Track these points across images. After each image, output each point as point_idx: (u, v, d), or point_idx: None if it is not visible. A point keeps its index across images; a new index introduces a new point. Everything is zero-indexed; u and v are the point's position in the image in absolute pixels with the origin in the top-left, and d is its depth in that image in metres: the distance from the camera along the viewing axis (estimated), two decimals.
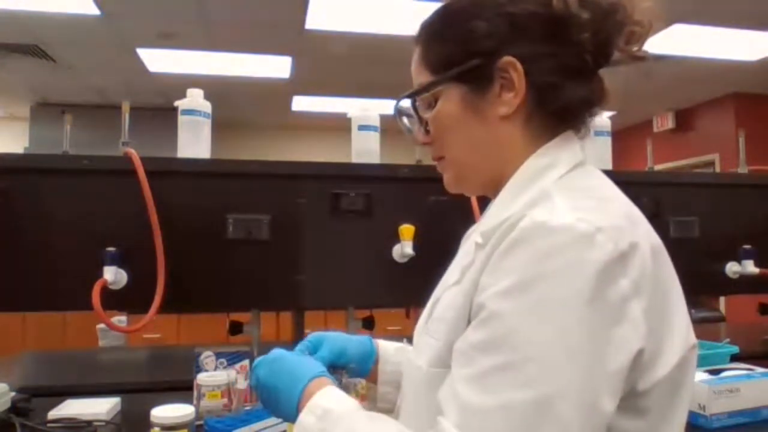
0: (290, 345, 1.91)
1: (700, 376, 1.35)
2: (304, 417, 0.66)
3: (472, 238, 0.75)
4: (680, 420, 0.63)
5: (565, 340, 0.54)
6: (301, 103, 6.70)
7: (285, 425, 1.20)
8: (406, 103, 0.77)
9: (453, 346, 0.62)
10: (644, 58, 0.69)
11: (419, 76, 0.75)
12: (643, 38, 0.68)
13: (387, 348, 0.94)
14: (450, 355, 0.63)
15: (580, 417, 0.53)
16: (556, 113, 0.69)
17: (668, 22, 4.27)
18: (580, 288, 0.54)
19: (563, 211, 0.59)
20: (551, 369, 0.53)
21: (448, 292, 0.71)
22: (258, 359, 0.78)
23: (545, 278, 0.55)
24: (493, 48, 0.68)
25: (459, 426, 0.55)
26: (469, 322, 0.62)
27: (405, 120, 0.79)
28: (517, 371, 0.54)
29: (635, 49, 0.68)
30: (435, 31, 0.74)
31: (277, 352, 0.78)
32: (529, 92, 0.68)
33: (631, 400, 0.58)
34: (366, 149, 1.70)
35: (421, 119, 0.75)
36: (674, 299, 0.63)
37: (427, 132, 0.75)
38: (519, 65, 0.67)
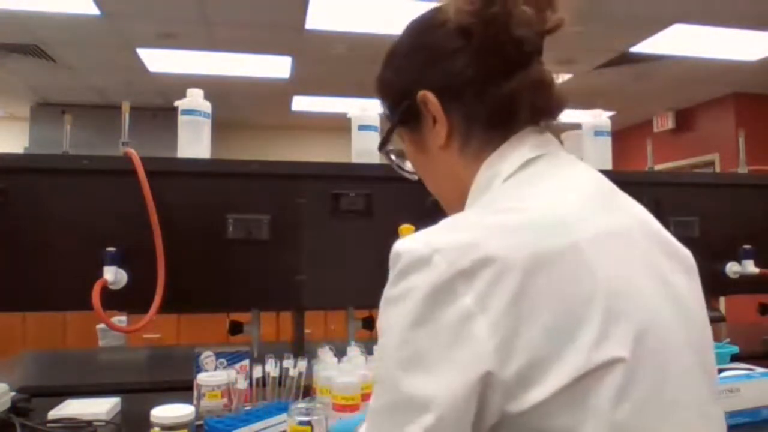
0: (290, 345, 1.92)
1: None
2: None
3: None
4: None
5: (384, 362, 0.57)
6: (301, 103, 6.70)
7: (285, 425, 1.20)
8: (384, 153, 0.84)
9: None
10: (557, 26, 0.66)
11: (384, 125, 0.82)
12: (539, 13, 0.65)
13: None
14: None
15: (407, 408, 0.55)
16: (491, 123, 0.68)
17: (668, 22, 4.28)
18: (407, 313, 0.56)
19: (420, 235, 0.60)
20: (389, 379, 0.57)
21: None
22: None
23: (388, 304, 0.58)
24: (411, 87, 0.71)
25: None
26: None
27: (394, 165, 0.86)
28: (377, 384, 0.60)
29: (533, 25, 0.65)
30: (377, 88, 0.79)
31: None
32: (453, 115, 0.70)
33: (512, 421, 0.53)
34: (366, 149, 1.70)
35: (399, 162, 0.83)
36: (575, 310, 0.54)
37: (412, 171, 0.82)
38: (431, 95, 0.69)
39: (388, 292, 0.59)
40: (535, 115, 0.68)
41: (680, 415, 0.58)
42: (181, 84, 2.00)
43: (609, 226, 0.62)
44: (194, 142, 1.56)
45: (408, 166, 0.83)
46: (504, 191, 0.65)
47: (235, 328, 1.67)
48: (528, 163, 0.66)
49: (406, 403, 0.55)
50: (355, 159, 1.71)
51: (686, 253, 0.71)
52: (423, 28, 0.73)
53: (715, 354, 0.65)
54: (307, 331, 1.82)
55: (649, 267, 0.62)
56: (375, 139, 1.72)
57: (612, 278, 0.57)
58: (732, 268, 1.89)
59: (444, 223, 0.61)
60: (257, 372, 1.31)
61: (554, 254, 0.56)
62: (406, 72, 0.73)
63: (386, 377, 0.57)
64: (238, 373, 1.31)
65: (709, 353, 0.64)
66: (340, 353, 1.41)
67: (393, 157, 0.83)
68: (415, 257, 0.57)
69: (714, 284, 1.94)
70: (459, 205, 0.71)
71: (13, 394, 1.35)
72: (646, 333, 0.56)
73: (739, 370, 1.41)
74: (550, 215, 0.59)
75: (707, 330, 0.65)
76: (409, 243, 0.59)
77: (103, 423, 1.29)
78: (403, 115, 0.73)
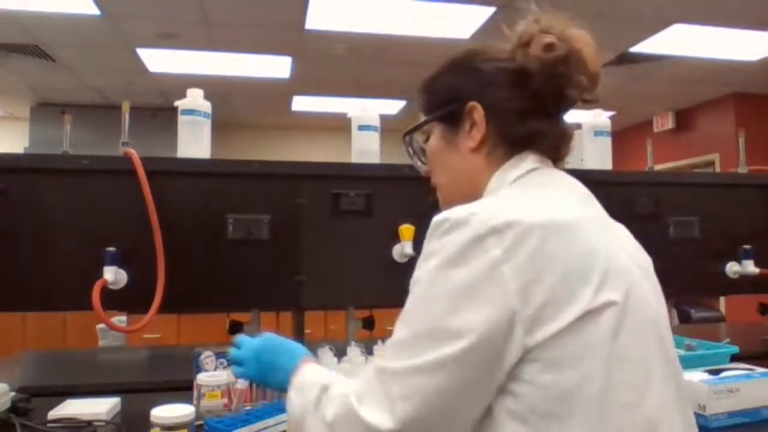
0: None
1: (700, 376, 1.35)
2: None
3: None
4: (601, 374, 0.68)
5: (418, 298, 0.73)
6: (301, 103, 6.70)
7: (285, 425, 1.20)
8: (408, 139, 0.98)
9: None
10: (595, 101, 0.85)
11: (419, 118, 0.95)
12: (591, 87, 0.83)
13: None
14: None
15: (439, 335, 0.69)
16: (517, 143, 0.85)
17: (668, 22, 4.28)
18: (443, 259, 0.71)
19: (462, 209, 0.74)
20: (424, 311, 0.71)
21: None
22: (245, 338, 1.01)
23: (432, 253, 0.72)
24: (464, 94, 0.86)
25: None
26: None
27: (411, 152, 1.00)
28: (409, 315, 0.73)
29: (582, 93, 0.84)
30: (427, 84, 0.94)
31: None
32: (490, 129, 0.85)
33: (531, 353, 0.68)
34: (366, 149, 1.70)
35: (416, 151, 0.98)
36: (581, 265, 0.70)
37: (424, 162, 0.97)
38: (480, 108, 0.85)
39: (428, 247, 0.73)
40: (550, 151, 0.87)
41: (656, 350, 0.75)
42: (181, 84, 2.00)
43: (595, 216, 0.80)
44: (194, 142, 1.56)
45: (421, 164, 0.98)
46: (513, 188, 0.82)
47: (235, 328, 1.67)
48: (531, 171, 0.83)
49: (441, 332, 0.69)
50: (355, 159, 1.71)
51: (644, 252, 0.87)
52: (486, 53, 0.88)
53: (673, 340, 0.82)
54: (307, 331, 1.82)
55: (624, 249, 0.79)
56: (375, 139, 1.72)
57: (605, 248, 0.74)
58: (732, 268, 1.89)
59: (471, 204, 0.76)
60: None
61: (563, 224, 0.72)
62: (462, 83, 0.88)
63: (419, 310, 0.72)
64: None
65: (669, 331, 0.81)
66: (340, 353, 1.42)
67: (413, 144, 0.98)
68: (455, 220, 0.72)
69: (714, 284, 1.95)
70: (460, 201, 0.81)
71: (13, 394, 1.36)
72: (633, 287, 0.74)
73: (739, 370, 1.41)
74: (554, 202, 0.77)
75: (666, 315, 0.82)
76: (450, 211, 0.74)
77: (103, 423, 1.29)
78: (446, 114, 0.89)
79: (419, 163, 0.99)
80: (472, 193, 0.85)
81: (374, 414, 0.70)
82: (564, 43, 0.81)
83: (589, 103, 0.86)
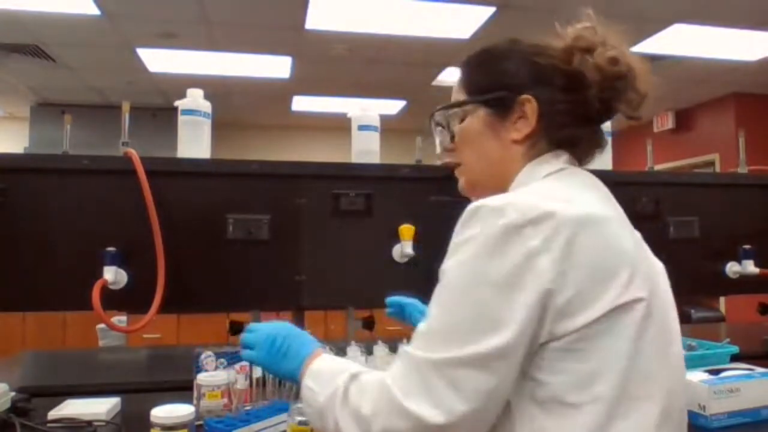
0: None
1: (700, 376, 1.35)
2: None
3: None
4: (623, 367, 0.71)
5: (452, 288, 0.72)
6: (301, 103, 6.70)
7: (285, 425, 1.20)
8: (441, 114, 0.94)
9: None
10: (638, 118, 0.86)
11: (457, 94, 0.92)
12: (639, 105, 0.84)
13: None
14: None
15: (488, 322, 0.69)
16: (557, 143, 0.86)
17: (668, 22, 4.28)
18: (480, 247, 0.71)
19: (501, 197, 0.75)
20: (470, 297, 0.71)
21: None
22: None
23: (467, 240, 0.72)
24: (518, 85, 0.85)
25: (404, 348, 0.75)
26: None
27: (436, 128, 0.95)
28: (449, 303, 0.72)
29: (630, 111, 0.84)
30: (476, 62, 0.92)
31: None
32: (538, 125, 0.84)
33: (558, 341, 0.70)
34: (366, 149, 1.70)
35: (449, 129, 0.92)
36: (612, 260, 0.73)
37: (452, 140, 0.92)
38: (534, 103, 0.84)
39: (464, 234, 0.73)
40: (583, 155, 0.89)
41: (677, 343, 0.81)
42: (181, 84, 2.00)
43: (620, 216, 0.82)
44: (194, 142, 1.56)
45: (446, 140, 0.93)
46: (545, 182, 0.83)
47: (235, 328, 1.67)
48: (561, 169, 0.84)
49: (483, 323, 0.69)
50: (355, 159, 1.71)
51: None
52: (541, 48, 0.87)
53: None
54: (307, 331, 1.82)
55: (645, 252, 0.83)
56: (375, 139, 1.72)
57: (631, 247, 0.76)
58: (732, 268, 1.89)
59: (506, 194, 0.78)
60: (257, 372, 1.31)
61: (595, 219, 0.74)
62: (517, 73, 0.86)
63: (457, 300, 0.71)
64: (238, 373, 1.31)
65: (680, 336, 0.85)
66: (340, 353, 1.41)
67: (443, 124, 0.94)
68: (491, 208, 0.72)
69: (714, 284, 1.95)
70: (486, 186, 0.87)
71: (13, 394, 1.36)
72: (656, 286, 0.77)
73: (739, 370, 1.41)
74: (586, 199, 0.79)
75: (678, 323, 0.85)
76: (487, 200, 0.74)
77: (103, 423, 1.29)
78: (495, 100, 0.86)
79: (446, 141, 0.94)
80: (500, 181, 0.86)
81: (423, 407, 0.68)
82: (624, 59, 0.82)
83: (632, 119, 0.87)
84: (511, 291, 0.69)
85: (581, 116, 0.85)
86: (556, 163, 0.85)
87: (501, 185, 0.86)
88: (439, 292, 0.74)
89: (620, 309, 0.71)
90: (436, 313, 0.73)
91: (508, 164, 0.86)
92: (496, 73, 0.88)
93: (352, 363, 0.83)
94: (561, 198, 0.76)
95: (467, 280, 0.71)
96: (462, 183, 0.93)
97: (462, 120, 0.90)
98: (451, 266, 0.73)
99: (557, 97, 0.84)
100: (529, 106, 0.84)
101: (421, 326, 0.74)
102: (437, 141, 0.96)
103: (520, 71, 0.86)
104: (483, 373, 0.68)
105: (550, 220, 0.71)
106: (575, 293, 0.69)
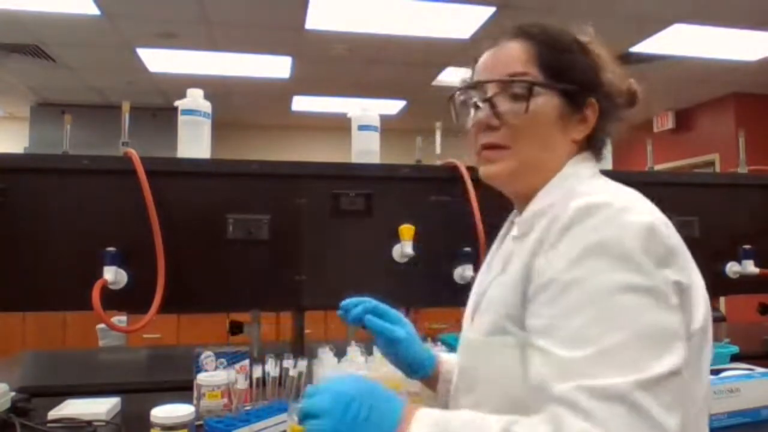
0: (290, 345, 1.91)
1: None
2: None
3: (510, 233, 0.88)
4: (706, 379, 0.78)
5: (634, 284, 0.64)
6: (301, 103, 6.70)
7: (285, 425, 1.20)
8: (519, 86, 0.81)
9: (507, 315, 0.75)
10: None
11: (522, 66, 0.82)
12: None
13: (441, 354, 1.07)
14: (505, 323, 0.75)
15: (663, 334, 0.63)
16: (595, 148, 0.87)
17: (668, 22, 4.27)
18: (634, 243, 0.65)
19: (599, 194, 0.71)
20: (632, 309, 0.63)
21: (495, 282, 0.83)
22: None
23: (605, 242, 0.66)
24: (590, 86, 0.83)
25: (569, 386, 0.61)
26: (522, 302, 0.73)
27: (498, 95, 0.82)
28: (607, 319, 0.63)
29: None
30: (556, 41, 0.84)
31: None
32: (593, 132, 0.84)
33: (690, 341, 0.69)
34: (366, 149, 1.70)
35: (527, 101, 0.80)
36: (695, 271, 0.74)
37: (497, 117, 0.82)
38: (597, 108, 0.83)
39: (598, 232, 0.67)
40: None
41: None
42: (181, 84, 2.00)
43: None
44: (194, 142, 1.56)
45: (512, 111, 0.81)
46: (599, 182, 0.81)
47: (235, 328, 1.67)
48: (595, 174, 0.84)
49: (661, 336, 0.63)
50: (355, 159, 1.71)
51: None
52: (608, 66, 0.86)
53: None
54: (307, 331, 1.82)
55: None
56: (375, 139, 1.72)
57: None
58: (732, 268, 1.89)
59: (601, 189, 0.76)
60: (257, 372, 1.31)
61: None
62: (593, 75, 0.84)
63: (620, 317, 0.63)
64: (238, 373, 1.31)
65: None
66: (340, 353, 1.41)
67: (516, 94, 0.81)
68: (618, 206, 0.69)
69: (714, 284, 1.93)
70: (536, 177, 0.82)
71: (13, 394, 1.36)
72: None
73: (739, 370, 1.41)
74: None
75: None
76: (600, 198, 0.70)
77: (103, 423, 1.29)
78: (571, 94, 0.82)
79: (491, 117, 0.82)
80: (544, 176, 0.82)
81: None
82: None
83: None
84: (665, 300, 0.65)
85: (612, 123, 0.87)
86: (594, 165, 0.86)
87: (542, 180, 0.82)
88: (580, 309, 0.64)
89: (708, 320, 0.75)
90: (598, 332, 0.62)
91: (558, 160, 0.83)
92: (575, 66, 0.83)
93: (470, 414, 0.68)
94: (638, 196, 0.75)
95: (618, 295, 0.63)
96: (498, 169, 0.83)
97: (521, 98, 0.80)
98: (593, 273, 0.65)
99: (610, 110, 0.85)
100: (592, 109, 0.83)
101: (578, 353, 0.62)
102: (486, 111, 0.82)
103: (595, 75, 0.84)
104: (677, 380, 0.62)
105: (666, 225, 0.71)
106: (685, 298, 0.69)
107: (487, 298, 0.83)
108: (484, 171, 0.85)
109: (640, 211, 0.69)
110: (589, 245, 0.66)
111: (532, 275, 0.72)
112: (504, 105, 0.81)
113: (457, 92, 0.89)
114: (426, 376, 1.02)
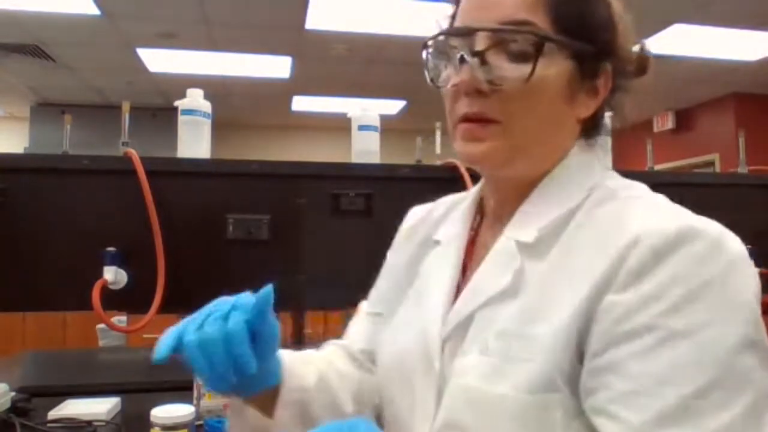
0: (290, 345, 1.91)
1: None
2: None
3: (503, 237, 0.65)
4: None
5: (753, 335, 0.50)
6: (301, 103, 6.70)
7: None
8: (522, 37, 0.59)
9: (557, 366, 0.53)
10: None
11: (527, 12, 0.59)
12: None
13: (294, 358, 0.73)
14: (557, 377, 0.53)
15: None
16: (594, 130, 0.69)
17: (668, 22, 4.28)
18: (748, 282, 0.52)
19: (679, 216, 0.58)
20: (751, 369, 0.49)
21: (500, 303, 0.60)
22: None
23: (712, 282, 0.51)
24: (607, 48, 0.63)
25: None
26: (576, 351, 0.54)
27: (490, 50, 0.60)
28: (725, 384, 0.48)
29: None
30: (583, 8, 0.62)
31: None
32: (601, 110, 0.66)
33: None
34: (366, 149, 1.70)
35: (534, 61, 0.58)
36: None
37: (489, 80, 0.60)
38: (611, 76, 0.64)
39: (702, 267, 0.51)
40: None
41: None
42: (181, 84, 2.00)
43: None
44: (194, 142, 1.56)
45: (508, 70, 0.60)
46: (622, 178, 0.69)
47: None
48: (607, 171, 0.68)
49: (734, 373, 0.49)
50: (355, 159, 1.70)
51: None
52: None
53: None
54: (307, 331, 1.82)
55: None
56: (375, 139, 1.72)
57: None
58: None
59: (663, 209, 0.64)
60: None
61: None
62: (609, 30, 0.64)
63: (743, 379, 0.49)
64: None
65: None
66: None
67: (514, 51, 0.59)
68: (714, 235, 0.54)
69: None
70: (525, 162, 0.63)
71: (13, 394, 1.36)
72: None
73: None
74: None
75: None
76: (692, 222, 0.55)
77: (103, 423, 1.29)
78: (584, 57, 0.61)
79: (482, 81, 0.60)
80: (538, 154, 0.64)
81: None
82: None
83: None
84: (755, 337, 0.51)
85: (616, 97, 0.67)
86: (595, 153, 0.68)
87: (539, 169, 0.64)
88: (697, 365, 0.48)
89: None
90: (719, 404, 0.48)
91: (561, 142, 0.64)
92: (594, 20, 0.62)
93: None
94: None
95: (740, 344, 0.49)
96: (487, 149, 0.61)
97: (522, 59, 0.59)
98: (704, 324, 0.49)
99: (620, 79, 0.66)
100: (605, 79, 0.63)
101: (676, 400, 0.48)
102: (473, 69, 0.60)
103: (610, 29, 0.63)
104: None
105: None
106: None
107: (500, 331, 0.58)
108: (465, 150, 0.62)
109: (733, 241, 0.55)
110: (691, 287, 0.51)
111: (598, 315, 0.53)
112: (500, 65, 0.59)
113: (435, 38, 0.65)
114: (258, 391, 0.68)
